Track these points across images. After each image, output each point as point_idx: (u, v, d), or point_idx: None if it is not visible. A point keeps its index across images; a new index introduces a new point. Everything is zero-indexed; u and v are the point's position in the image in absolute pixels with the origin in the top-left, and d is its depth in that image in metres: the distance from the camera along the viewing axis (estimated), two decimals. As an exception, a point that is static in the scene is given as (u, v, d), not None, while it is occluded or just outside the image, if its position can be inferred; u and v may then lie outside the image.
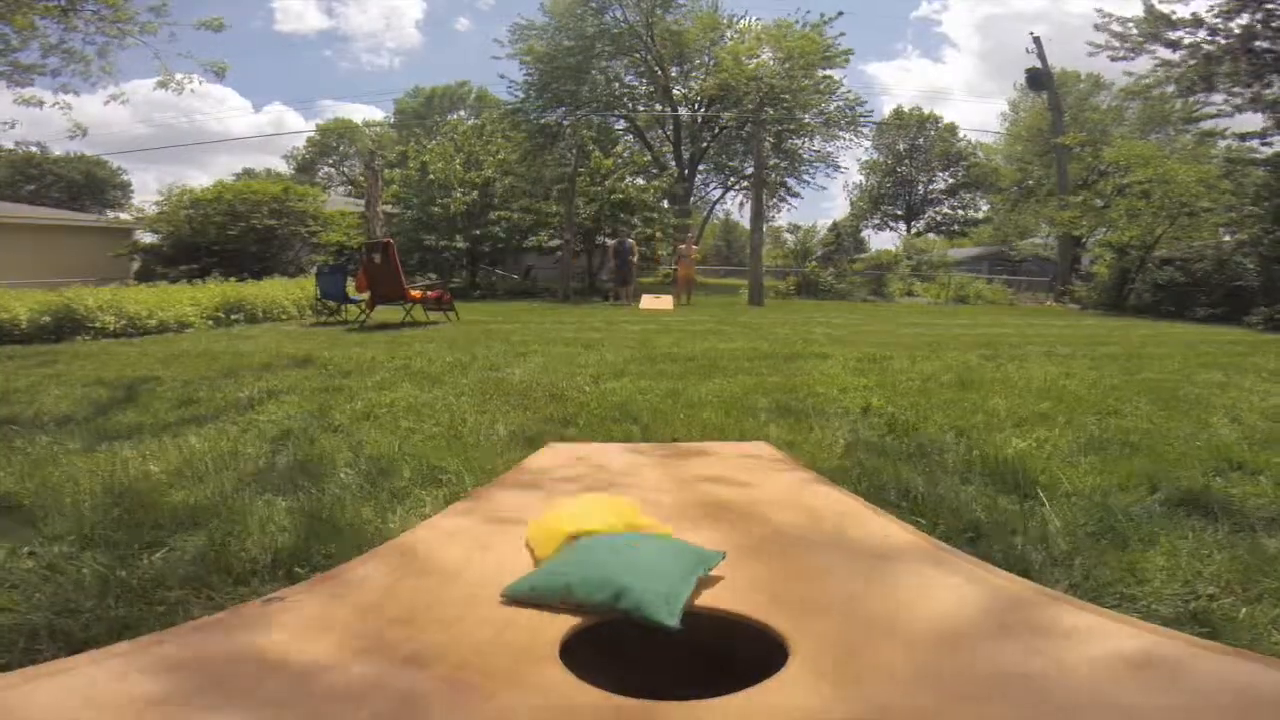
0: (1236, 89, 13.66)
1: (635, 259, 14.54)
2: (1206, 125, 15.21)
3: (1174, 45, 14.15)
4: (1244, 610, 1.52)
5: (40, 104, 7.37)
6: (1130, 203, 14.94)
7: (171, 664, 0.80)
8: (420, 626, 0.91)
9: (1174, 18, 13.83)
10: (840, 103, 23.06)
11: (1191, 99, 15.01)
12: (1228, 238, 14.58)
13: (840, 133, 24.30)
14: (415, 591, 1.02)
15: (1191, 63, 13.92)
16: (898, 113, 36.99)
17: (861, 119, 23.86)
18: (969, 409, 3.35)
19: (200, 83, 7.46)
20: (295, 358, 4.97)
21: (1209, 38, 13.60)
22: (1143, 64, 14.98)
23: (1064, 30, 61.88)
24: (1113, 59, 15.27)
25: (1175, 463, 2.52)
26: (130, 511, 2.00)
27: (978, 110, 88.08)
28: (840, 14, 22.53)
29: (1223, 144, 14.95)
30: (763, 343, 6.09)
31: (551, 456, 1.99)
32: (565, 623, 0.91)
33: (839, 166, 27.84)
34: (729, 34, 22.77)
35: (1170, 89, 15.12)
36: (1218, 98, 14.14)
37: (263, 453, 2.62)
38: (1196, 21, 13.60)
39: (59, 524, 1.92)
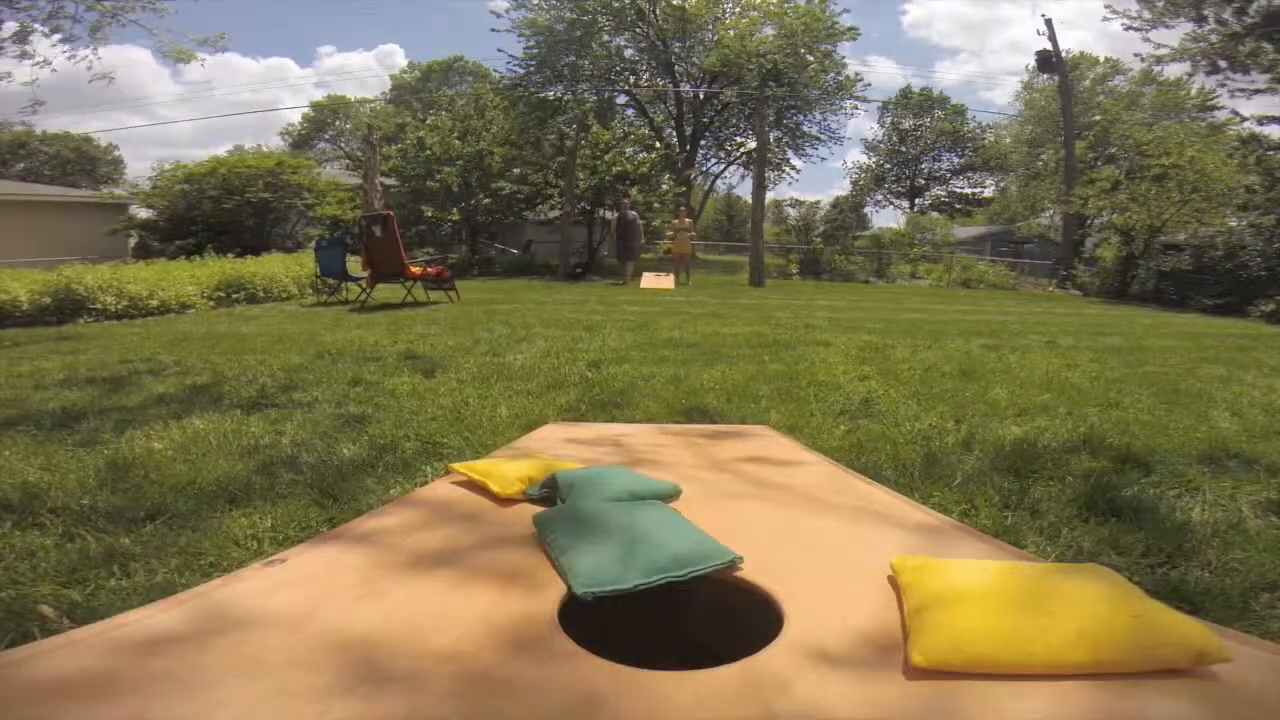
0: (1265, 71, 13.27)
1: (641, 236, 14.05)
2: (1223, 113, 14.95)
3: (1201, 20, 13.72)
4: (1226, 581, 1.58)
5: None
6: (1143, 186, 14.74)
7: (169, 630, 0.80)
8: (421, 588, 0.91)
9: None
10: (837, 75, 22.69)
11: (1209, 81, 14.69)
12: (1233, 223, 14.42)
13: (840, 103, 23.89)
14: (415, 553, 1.02)
15: (1216, 39, 13.50)
16: (906, 92, 36.43)
17: (858, 86, 23.42)
18: (970, 399, 3.37)
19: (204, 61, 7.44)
20: (298, 341, 4.97)
21: (1235, 15, 13.17)
22: (1159, 37, 14.52)
23: (1081, 15, 60.70)
24: (1126, 27, 14.87)
25: (1172, 450, 2.55)
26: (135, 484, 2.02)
27: (988, 92, 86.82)
28: None
29: (1235, 130, 14.71)
30: (764, 327, 6.09)
31: (553, 432, 1.99)
32: (563, 586, 0.90)
33: (840, 138, 27.30)
34: (730, 8, 22.29)
35: (1188, 65, 14.72)
36: (1249, 78, 13.75)
37: (265, 431, 2.64)
38: None
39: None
